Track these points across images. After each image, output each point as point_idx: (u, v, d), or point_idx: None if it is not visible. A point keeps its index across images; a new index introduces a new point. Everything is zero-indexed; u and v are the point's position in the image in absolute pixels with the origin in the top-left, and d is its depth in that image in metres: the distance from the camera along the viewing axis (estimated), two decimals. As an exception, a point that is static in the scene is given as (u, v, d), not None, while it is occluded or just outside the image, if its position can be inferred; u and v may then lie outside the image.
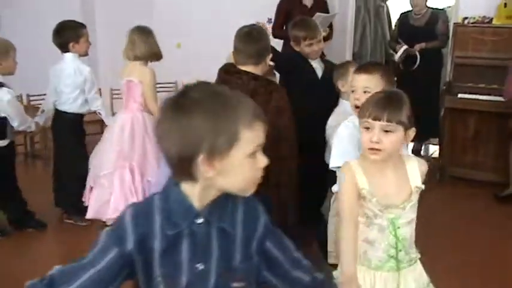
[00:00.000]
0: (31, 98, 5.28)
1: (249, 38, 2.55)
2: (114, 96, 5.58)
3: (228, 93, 1.15)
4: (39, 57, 4.84)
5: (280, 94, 2.54)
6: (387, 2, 7.63)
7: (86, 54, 3.63)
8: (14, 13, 6.11)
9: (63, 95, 3.56)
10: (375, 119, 1.64)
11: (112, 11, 6.54)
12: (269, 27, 4.69)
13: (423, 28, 5.11)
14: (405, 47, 5.06)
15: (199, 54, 5.71)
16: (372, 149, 1.65)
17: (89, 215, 3.47)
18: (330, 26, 4.62)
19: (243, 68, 2.55)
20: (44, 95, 3.86)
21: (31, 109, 4.54)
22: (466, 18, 4.55)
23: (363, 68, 2.15)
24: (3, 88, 3.19)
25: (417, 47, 4.96)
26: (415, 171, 1.75)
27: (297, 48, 3.34)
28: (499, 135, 4.20)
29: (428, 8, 5.21)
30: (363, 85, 2.08)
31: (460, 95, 4.28)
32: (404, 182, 1.74)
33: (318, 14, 4.38)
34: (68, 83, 3.52)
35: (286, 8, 4.86)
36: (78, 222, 3.64)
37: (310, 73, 3.32)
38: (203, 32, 5.64)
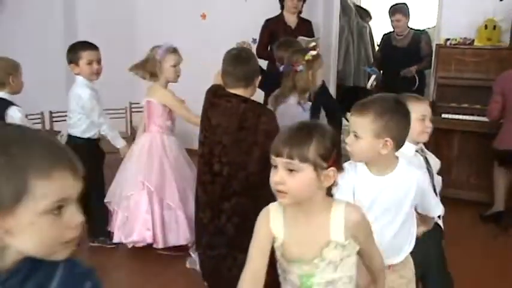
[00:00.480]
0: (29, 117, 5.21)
1: (238, 60, 2.56)
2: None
3: (19, 137, 0.92)
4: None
5: (269, 117, 2.52)
6: (370, 23, 7.76)
7: (91, 77, 3.51)
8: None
9: (70, 119, 3.54)
10: (277, 155, 1.40)
11: (94, 30, 6.53)
12: (253, 47, 4.75)
13: (406, 49, 5.18)
14: (374, 75, 5.14)
15: (187, 75, 5.70)
16: (278, 191, 1.41)
17: (115, 239, 3.43)
18: None
19: (232, 90, 2.55)
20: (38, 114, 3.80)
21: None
22: (448, 39, 4.62)
23: (354, 107, 1.77)
24: (14, 107, 3.16)
25: (413, 69, 5.02)
26: (340, 222, 1.44)
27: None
28: (482, 154, 4.24)
29: (410, 29, 5.29)
30: (352, 128, 1.75)
31: (443, 115, 4.32)
32: (322, 234, 1.45)
33: (301, 37, 4.42)
34: (71, 107, 3.50)
35: (271, 29, 4.89)
36: (103, 244, 3.58)
37: None
38: (187, 52, 5.61)
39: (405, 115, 1.75)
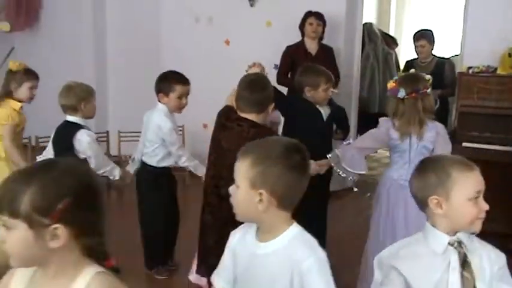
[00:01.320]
0: (40, 140, 5.33)
1: (255, 86, 2.58)
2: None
3: None
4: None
5: None
6: (396, 50, 7.74)
7: (176, 111, 3.55)
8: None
9: (146, 147, 3.53)
10: None
11: (121, 58, 6.73)
12: (274, 73, 4.80)
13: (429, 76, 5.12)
14: None
15: (208, 99, 5.77)
16: None
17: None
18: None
19: (244, 115, 2.57)
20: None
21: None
22: (470, 67, 4.56)
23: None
24: (82, 130, 3.21)
25: (434, 92, 4.94)
26: None
27: (309, 94, 3.32)
28: (506, 185, 4.12)
29: (434, 56, 5.24)
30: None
31: (464, 144, 4.23)
32: None
33: None
34: (149, 137, 3.49)
35: (291, 56, 4.93)
36: (155, 275, 3.59)
37: (318, 118, 3.36)
38: (211, 77, 5.70)
39: (295, 168, 1.43)
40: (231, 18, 5.73)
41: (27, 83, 3.54)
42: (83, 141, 3.18)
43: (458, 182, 1.57)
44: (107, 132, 5.90)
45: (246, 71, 3.12)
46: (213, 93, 5.95)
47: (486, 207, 1.57)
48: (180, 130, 5.84)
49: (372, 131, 3.04)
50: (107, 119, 6.49)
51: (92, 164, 3.21)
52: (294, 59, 4.83)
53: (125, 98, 6.42)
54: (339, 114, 3.59)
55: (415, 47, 5.23)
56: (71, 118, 3.24)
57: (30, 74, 3.59)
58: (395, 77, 3.05)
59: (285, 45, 5.02)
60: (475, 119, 4.30)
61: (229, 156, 2.54)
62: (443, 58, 5.30)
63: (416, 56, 5.34)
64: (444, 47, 6.32)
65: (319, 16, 4.88)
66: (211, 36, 5.86)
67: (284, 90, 4.54)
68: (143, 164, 3.54)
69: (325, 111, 3.40)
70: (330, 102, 3.53)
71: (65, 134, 3.22)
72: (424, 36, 5.17)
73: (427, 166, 1.65)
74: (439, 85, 5.03)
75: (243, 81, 2.66)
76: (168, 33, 6.17)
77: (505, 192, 4.16)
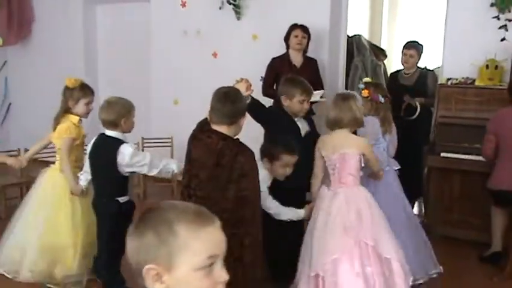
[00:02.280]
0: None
1: (226, 98, 2.62)
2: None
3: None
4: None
5: (246, 157, 2.54)
6: (386, 61, 7.84)
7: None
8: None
9: None
10: None
11: (112, 70, 6.83)
12: (257, 86, 4.87)
13: (412, 87, 5.21)
14: None
15: (196, 110, 5.85)
16: None
17: None
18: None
19: (216, 127, 2.62)
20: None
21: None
22: (449, 79, 4.65)
23: None
24: (124, 144, 3.24)
25: (417, 99, 5.04)
26: None
27: (285, 103, 3.42)
28: (483, 194, 4.19)
29: (418, 68, 5.33)
30: None
31: (442, 154, 4.31)
32: None
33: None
34: None
35: (276, 68, 5.00)
36: None
37: (294, 131, 3.42)
38: (199, 89, 5.79)
39: None
40: (219, 31, 5.84)
41: (83, 99, 3.67)
42: (126, 154, 3.19)
43: (185, 244, 1.12)
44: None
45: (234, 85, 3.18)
46: (201, 104, 6.06)
47: (224, 277, 1.16)
48: (169, 142, 5.94)
49: (370, 131, 3.43)
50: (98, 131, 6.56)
51: (145, 170, 3.27)
52: (278, 70, 4.91)
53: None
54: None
55: (404, 55, 5.28)
56: (110, 133, 3.30)
57: (86, 90, 3.71)
58: (362, 85, 3.36)
59: (270, 58, 5.11)
60: (454, 129, 4.39)
61: (196, 167, 2.62)
62: (427, 69, 5.38)
63: (401, 67, 5.42)
64: (431, 60, 6.41)
65: (304, 29, 4.97)
66: (200, 48, 5.97)
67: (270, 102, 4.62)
68: None
69: (302, 126, 3.47)
70: (311, 124, 3.62)
71: (107, 149, 3.26)
72: (414, 46, 5.24)
73: (147, 218, 1.17)
74: (422, 96, 5.13)
75: (216, 94, 2.70)
76: (157, 45, 6.28)
77: (481, 202, 4.24)
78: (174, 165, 3.33)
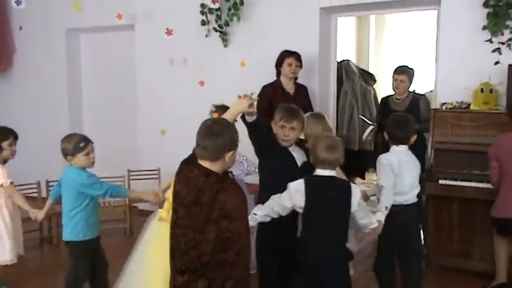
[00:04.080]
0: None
1: (209, 132, 2.36)
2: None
3: None
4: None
5: (229, 196, 2.27)
6: (374, 86, 7.76)
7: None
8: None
9: None
10: None
11: (96, 100, 6.67)
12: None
13: (404, 113, 5.09)
14: (371, 128, 5.09)
15: (184, 140, 5.67)
16: None
17: None
18: None
19: (201, 162, 2.38)
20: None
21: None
22: (444, 103, 4.54)
23: None
24: None
25: None
26: None
27: (274, 129, 3.23)
28: (484, 222, 4.04)
29: (410, 92, 5.21)
30: None
31: (441, 181, 4.16)
32: None
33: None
34: None
35: (269, 95, 4.82)
36: None
37: (287, 160, 3.21)
38: (187, 118, 5.63)
39: None
40: (206, 59, 5.72)
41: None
42: None
43: None
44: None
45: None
46: (189, 134, 5.91)
47: None
48: (156, 173, 5.74)
49: None
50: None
51: None
52: (271, 98, 4.74)
53: (101, 140, 6.30)
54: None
55: (394, 80, 5.17)
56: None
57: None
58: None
59: (260, 84, 4.96)
60: (451, 155, 4.25)
61: (176, 202, 2.40)
62: (418, 94, 5.27)
63: (391, 92, 5.31)
64: (421, 83, 6.33)
65: (297, 56, 4.82)
66: (186, 77, 5.83)
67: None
68: None
69: (297, 155, 3.28)
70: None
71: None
72: (405, 72, 5.11)
73: None
74: (415, 121, 5.01)
75: (200, 126, 2.44)
76: (142, 74, 6.15)
77: (482, 230, 4.09)
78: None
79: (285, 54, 4.84)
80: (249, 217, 2.75)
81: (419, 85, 5.97)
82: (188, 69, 5.82)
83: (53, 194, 3.65)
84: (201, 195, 2.28)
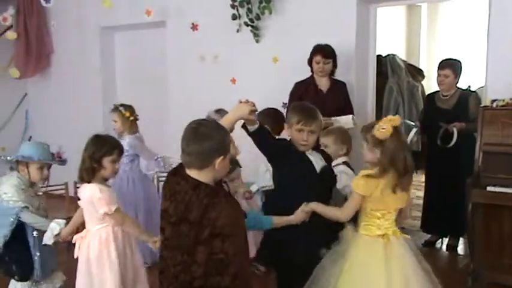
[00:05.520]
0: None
1: (193, 135, 2.07)
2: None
3: None
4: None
5: (219, 211, 1.97)
6: (423, 82, 7.26)
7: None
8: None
9: None
10: None
11: (130, 97, 6.55)
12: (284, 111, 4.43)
13: (451, 111, 4.63)
14: (415, 129, 4.66)
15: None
16: None
17: None
18: None
19: (188, 171, 2.08)
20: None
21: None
22: (494, 100, 4.06)
23: None
24: None
25: (457, 125, 4.48)
26: None
27: (288, 133, 2.92)
28: (539, 234, 3.57)
29: (458, 88, 4.75)
30: None
31: (489, 188, 3.70)
32: None
33: (334, 118, 4.24)
34: None
35: (300, 93, 4.53)
36: None
37: (305, 166, 2.89)
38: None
39: None
40: (237, 56, 5.45)
41: None
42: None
43: None
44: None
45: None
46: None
47: None
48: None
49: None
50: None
51: None
52: (303, 96, 4.42)
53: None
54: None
55: (438, 75, 4.73)
56: None
57: None
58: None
59: (293, 82, 4.65)
60: (501, 159, 3.79)
61: (163, 219, 2.11)
62: (468, 90, 4.79)
63: (438, 88, 4.86)
64: (475, 79, 5.81)
65: (326, 54, 4.46)
66: (217, 74, 5.59)
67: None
68: None
69: (316, 160, 2.93)
70: (328, 158, 3.08)
71: None
72: (449, 65, 4.67)
73: None
74: (463, 120, 4.54)
75: (185, 129, 2.13)
76: (174, 73, 5.98)
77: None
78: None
79: (314, 51, 4.51)
80: None
81: (475, 81, 5.48)
82: (219, 66, 5.58)
83: None
84: (189, 212, 1.98)
